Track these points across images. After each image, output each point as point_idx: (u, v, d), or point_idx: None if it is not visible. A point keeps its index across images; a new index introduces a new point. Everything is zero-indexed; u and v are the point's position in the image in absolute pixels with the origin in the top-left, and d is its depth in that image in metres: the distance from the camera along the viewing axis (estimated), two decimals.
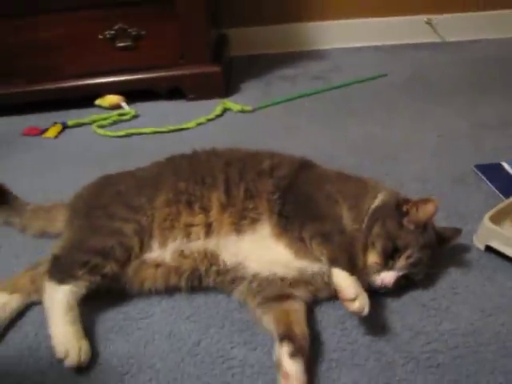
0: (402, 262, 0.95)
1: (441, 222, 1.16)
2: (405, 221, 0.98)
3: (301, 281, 0.96)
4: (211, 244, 0.99)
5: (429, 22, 2.36)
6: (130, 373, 0.86)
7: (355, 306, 0.85)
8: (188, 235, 1.00)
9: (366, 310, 0.85)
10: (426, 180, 1.34)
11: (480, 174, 1.35)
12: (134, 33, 1.89)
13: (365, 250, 0.97)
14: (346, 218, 0.99)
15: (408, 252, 0.95)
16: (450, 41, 2.39)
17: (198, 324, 0.95)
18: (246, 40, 2.39)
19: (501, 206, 1.13)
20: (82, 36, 1.89)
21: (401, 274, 0.95)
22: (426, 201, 0.99)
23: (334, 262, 0.90)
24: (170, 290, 1.02)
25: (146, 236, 1.00)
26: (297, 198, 1.01)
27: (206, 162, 1.10)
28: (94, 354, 0.90)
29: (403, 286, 0.97)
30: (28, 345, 0.93)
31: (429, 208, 0.98)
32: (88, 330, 0.95)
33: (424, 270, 0.97)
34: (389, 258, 0.95)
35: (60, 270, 0.95)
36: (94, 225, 1.03)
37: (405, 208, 1.00)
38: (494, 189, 1.29)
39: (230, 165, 1.07)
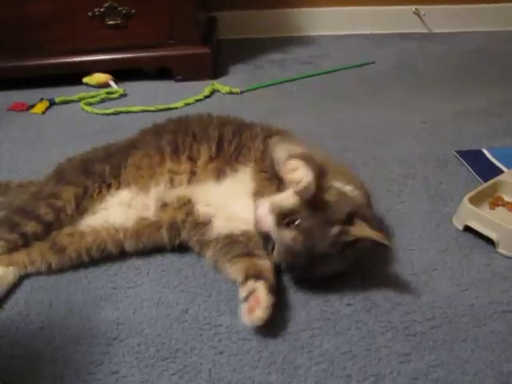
0: (286, 232, 0.89)
1: (423, 203, 1.22)
2: (337, 227, 0.89)
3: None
4: (190, 190, 1.03)
5: (417, 13, 2.39)
6: (119, 338, 0.89)
7: (294, 175, 0.88)
8: (171, 181, 1.04)
9: (306, 182, 0.86)
10: (410, 163, 1.38)
11: (461, 159, 1.39)
12: (124, 11, 1.88)
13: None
14: None
15: (300, 236, 0.88)
16: (436, 32, 2.43)
17: (185, 293, 0.97)
18: (235, 24, 2.39)
19: (480, 188, 1.17)
20: (71, 12, 1.87)
21: (271, 234, 0.90)
22: (376, 234, 0.90)
23: (291, 157, 0.91)
24: (158, 261, 1.04)
25: (88, 203, 1.04)
26: (278, 137, 1.06)
27: (197, 121, 1.14)
28: (84, 320, 0.92)
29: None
30: (18, 311, 0.94)
31: (372, 234, 0.89)
32: (77, 297, 0.97)
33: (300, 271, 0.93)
34: (286, 218, 0.89)
35: None
36: (39, 190, 1.07)
37: (356, 220, 0.90)
38: (474, 173, 1.33)
39: (224, 125, 1.11)
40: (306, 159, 0.91)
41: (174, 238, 1.04)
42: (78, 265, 1.04)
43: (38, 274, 1.02)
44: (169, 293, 0.98)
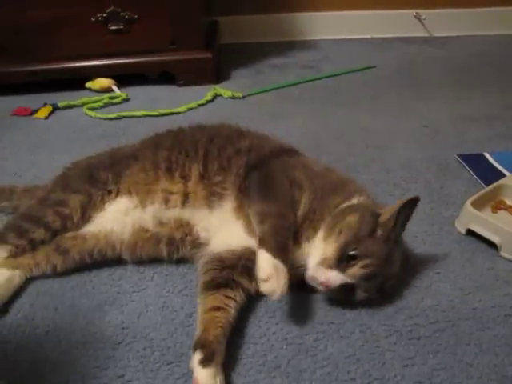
0: (354, 270, 0.87)
1: (425, 207, 1.22)
2: (378, 229, 0.91)
3: (252, 270, 0.91)
4: (186, 214, 1.02)
5: (417, 17, 2.41)
6: (124, 342, 0.89)
7: (265, 286, 0.83)
8: (166, 202, 1.03)
9: (277, 296, 0.83)
10: (411, 167, 1.39)
11: (463, 163, 1.40)
12: (126, 16, 1.89)
13: (324, 240, 0.91)
14: (305, 206, 0.96)
15: (366, 261, 0.87)
16: (437, 36, 2.44)
17: (190, 297, 0.98)
18: (237, 28, 2.40)
19: (482, 192, 1.18)
20: (75, 18, 1.88)
21: (348, 281, 0.87)
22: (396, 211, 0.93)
23: (261, 242, 0.87)
24: (162, 265, 1.05)
25: (92, 210, 1.05)
26: (259, 175, 1.00)
27: (190, 136, 1.12)
28: (89, 324, 0.93)
29: (341, 300, 0.93)
30: (24, 315, 0.95)
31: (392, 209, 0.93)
32: (82, 302, 0.98)
33: (374, 291, 0.90)
34: (344, 258, 0.88)
35: None
36: (46, 197, 1.08)
37: (381, 220, 0.92)
38: (476, 177, 1.34)
39: (213, 140, 1.09)
40: (277, 242, 0.87)
41: (173, 254, 1.03)
42: (82, 266, 1.04)
43: (43, 277, 1.03)
44: (173, 297, 0.98)
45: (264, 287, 0.83)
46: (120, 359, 0.86)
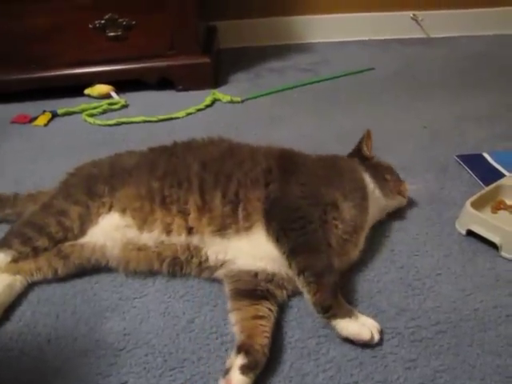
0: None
1: (425, 208, 1.22)
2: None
3: (287, 278, 0.95)
4: (195, 242, 1.00)
5: (415, 18, 2.41)
6: (126, 348, 0.89)
7: (374, 340, 0.86)
8: (168, 232, 1.01)
9: (377, 337, 0.87)
10: (411, 168, 1.39)
11: (462, 164, 1.40)
12: (124, 23, 1.90)
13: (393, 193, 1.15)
14: (350, 213, 1.00)
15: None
16: (434, 37, 2.44)
17: (191, 303, 0.98)
18: (234, 33, 2.41)
19: (482, 193, 1.18)
20: (73, 25, 1.90)
21: None
22: (365, 135, 1.23)
23: (331, 311, 0.86)
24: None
25: (88, 222, 1.04)
26: (287, 213, 0.96)
27: (182, 161, 1.08)
28: (91, 331, 0.93)
29: None
30: (26, 322, 0.95)
31: (369, 137, 1.22)
32: (84, 309, 0.98)
33: None
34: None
35: (3, 238, 1.04)
36: (49, 203, 1.09)
37: (365, 151, 1.21)
38: (475, 177, 1.34)
39: (205, 167, 1.05)
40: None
41: (174, 272, 1.02)
42: (83, 273, 1.05)
43: (45, 284, 1.03)
44: (175, 303, 0.98)
45: (375, 341, 0.86)
46: (122, 366, 0.86)
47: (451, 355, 0.86)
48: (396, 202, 1.18)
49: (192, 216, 1.00)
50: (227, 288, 0.97)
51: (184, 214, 1.01)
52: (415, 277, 1.02)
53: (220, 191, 1.00)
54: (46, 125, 1.78)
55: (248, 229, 0.98)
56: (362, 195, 1.05)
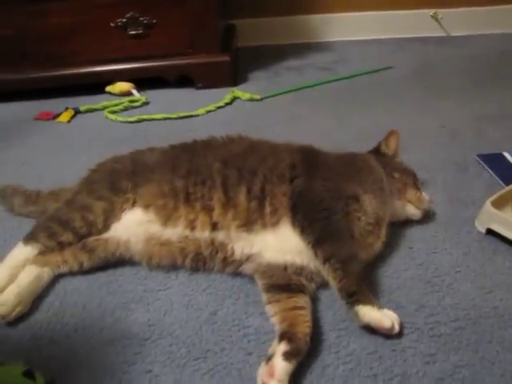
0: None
1: (445, 207, 1.23)
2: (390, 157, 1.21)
3: (315, 271, 0.97)
4: (220, 238, 1.02)
5: (434, 16, 2.41)
6: (150, 338, 0.92)
7: (396, 330, 0.88)
8: (192, 228, 1.03)
9: (398, 327, 0.88)
10: (430, 168, 1.39)
11: (482, 163, 1.40)
12: (145, 21, 1.93)
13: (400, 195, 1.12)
14: (371, 206, 1.02)
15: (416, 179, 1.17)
16: (454, 35, 2.43)
17: (214, 295, 1.00)
18: (253, 31, 2.44)
19: (502, 192, 1.18)
20: (94, 23, 1.93)
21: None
22: (388, 135, 1.24)
23: (354, 296, 0.89)
24: None
25: (112, 217, 1.07)
26: (312, 206, 0.99)
27: (203, 159, 1.10)
28: (117, 322, 0.96)
29: None
30: (54, 312, 0.98)
31: (394, 136, 1.23)
32: (109, 300, 1.01)
33: None
34: (417, 184, 1.16)
35: (30, 232, 1.07)
36: (73, 199, 1.11)
37: (383, 149, 1.23)
38: (496, 177, 1.34)
39: (227, 163, 1.07)
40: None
41: (197, 267, 1.04)
42: (108, 265, 1.08)
43: (71, 276, 1.06)
44: (198, 295, 1.00)
45: (395, 331, 0.88)
46: (147, 355, 0.89)
47: (470, 351, 0.87)
48: (402, 208, 1.13)
49: (217, 212, 1.02)
50: (260, 283, 0.99)
51: (208, 210, 1.02)
52: (434, 274, 1.03)
53: (245, 187, 1.03)
54: (68, 121, 1.82)
55: (275, 224, 1.00)
56: (381, 187, 1.07)
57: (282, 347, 0.83)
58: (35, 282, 1.01)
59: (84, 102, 1.90)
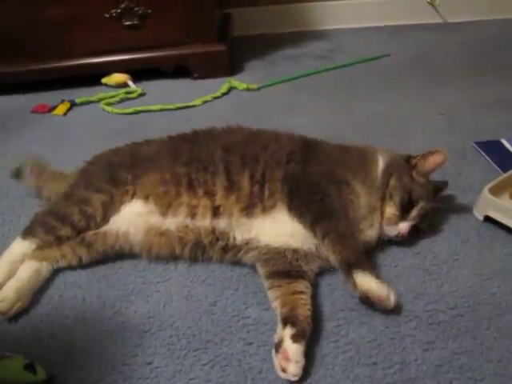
0: (414, 213, 1.04)
1: (443, 194, 1.22)
2: (414, 174, 1.08)
3: (310, 254, 0.99)
4: (221, 224, 1.02)
5: (431, 3, 2.39)
6: (150, 330, 0.92)
7: (391, 303, 0.89)
8: (193, 215, 1.03)
9: (394, 300, 0.90)
10: None
11: (480, 150, 1.40)
12: (140, 11, 1.92)
13: (382, 204, 1.04)
14: (364, 195, 1.04)
15: (420, 204, 1.04)
16: (451, 21, 2.42)
17: (213, 287, 1.00)
18: (249, 20, 2.42)
19: (500, 179, 1.18)
20: (89, 14, 1.92)
21: (413, 223, 1.04)
22: (433, 152, 1.09)
23: (354, 264, 0.91)
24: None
25: (112, 210, 1.07)
26: (307, 191, 1.02)
27: (205, 147, 1.11)
28: (116, 314, 0.96)
29: (412, 234, 1.06)
30: (54, 305, 0.98)
31: (437, 158, 1.08)
32: (108, 292, 1.01)
33: (428, 220, 1.07)
34: (404, 210, 1.04)
35: (28, 227, 1.07)
36: (70, 193, 1.11)
37: (413, 161, 1.09)
38: (493, 164, 1.34)
39: (229, 150, 1.08)
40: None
41: (197, 256, 1.05)
42: (107, 258, 1.08)
43: (70, 269, 1.06)
44: (197, 286, 1.01)
45: (390, 304, 0.89)
46: (148, 347, 0.89)
47: (469, 338, 0.87)
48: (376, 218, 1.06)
49: (219, 195, 1.03)
50: (261, 271, 1.00)
51: (211, 195, 1.04)
52: (432, 262, 1.04)
53: (248, 171, 1.04)
54: (64, 114, 1.81)
55: (271, 207, 1.02)
56: (371, 179, 1.07)
57: (288, 331, 0.85)
58: (34, 277, 1.01)
59: (80, 94, 1.89)
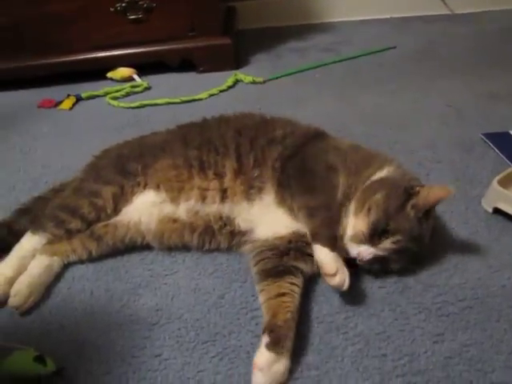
0: (386, 244, 0.91)
1: (451, 186, 1.20)
2: (408, 205, 0.92)
3: (305, 252, 0.97)
4: (226, 209, 1.03)
5: None
6: (159, 323, 0.92)
7: (335, 281, 0.87)
8: (203, 199, 1.04)
9: (346, 286, 0.87)
10: (436, 147, 1.38)
11: (488, 142, 1.39)
12: (144, 5, 1.91)
13: (355, 214, 0.94)
14: (343, 185, 0.99)
15: (397, 237, 0.90)
16: (459, 13, 2.39)
17: (221, 279, 1.00)
18: (254, 13, 2.40)
19: (509, 170, 1.17)
20: (94, 8, 1.90)
21: (379, 254, 0.91)
22: (439, 187, 0.96)
23: (315, 237, 0.91)
24: (192, 249, 1.08)
25: (123, 201, 1.07)
26: (295, 166, 1.02)
27: (216, 131, 1.12)
28: (124, 307, 0.96)
29: (374, 270, 0.96)
30: (63, 298, 0.99)
31: (441, 192, 0.94)
32: (116, 286, 1.01)
33: (403, 263, 0.94)
34: (375, 234, 0.91)
35: (37, 222, 1.07)
36: (80, 187, 1.11)
37: (416, 189, 0.94)
38: (502, 156, 1.33)
39: (241, 133, 1.09)
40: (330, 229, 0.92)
41: (205, 243, 1.05)
42: (116, 251, 1.08)
43: (79, 263, 1.07)
44: (205, 279, 1.01)
45: (334, 282, 0.87)
46: (156, 339, 0.89)
47: (478, 330, 0.87)
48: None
49: (228, 177, 1.04)
50: (253, 272, 0.99)
51: (220, 176, 1.04)
52: (441, 253, 1.03)
53: (254, 155, 1.05)
54: (70, 108, 1.81)
55: (261, 190, 1.02)
56: (360, 176, 1.00)
57: (264, 340, 0.83)
58: (46, 272, 1.02)
59: (86, 89, 1.89)
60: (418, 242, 0.92)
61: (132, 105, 1.77)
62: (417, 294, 0.94)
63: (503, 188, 1.11)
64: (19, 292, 0.96)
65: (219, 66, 1.98)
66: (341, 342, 0.86)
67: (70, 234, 1.06)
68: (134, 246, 1.08)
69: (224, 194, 1.04)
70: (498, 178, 1.13)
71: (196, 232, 1.04)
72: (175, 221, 1.05)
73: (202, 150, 1.08)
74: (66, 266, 1.06)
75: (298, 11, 2.41)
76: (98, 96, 1.87)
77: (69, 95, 1.86)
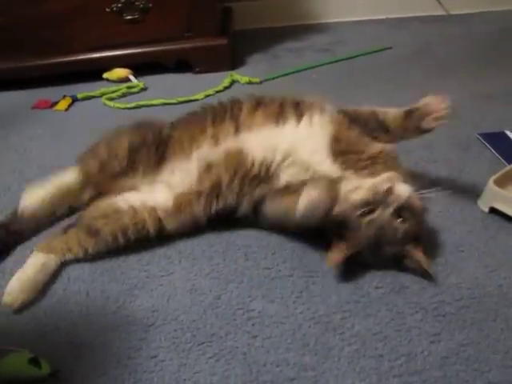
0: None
1: (447, 186, 1.21)
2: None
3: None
4: (240, 140, 1.06)
5: None
6: (155, 324, 0.92)
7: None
8: (215, 141, 1.08)
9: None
10: (432, 147, 1.38)
11: (484, 142, 1.39)
12: (141, 6, 1.90)
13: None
14: None
15: (378, 212, 0.93)
16: (454, 13, 2.40)
17: (217, 280, 1.00)
18: (250, 14, 2.40)
19: (505, 170, 1.17)
20: (90, 9, 1.90)
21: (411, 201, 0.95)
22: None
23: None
24: (189, 250, 1.07)
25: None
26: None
27: (230, 102, 1.17)
28: (120, 308, 0.96)
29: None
30: (58, 299, 0.98)
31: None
32: (112, 287, 1.01)
33: (383, 254, 0.95)
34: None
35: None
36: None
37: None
38: (498, 155, 1.33)
39: (264, 97, 1.15)
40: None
41: (211, 205, 1.07)
42: (114, 249, 1.07)
43: (74, 263, 1.06)
44: (201, 280, 1.00)
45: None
46: (152, 341, 0.89)
47: (475, 330, 0.87)
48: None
49: (244, 114, 1.10)
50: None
51: (235, 118, 1.10)
52: (438, 253, 1.03)
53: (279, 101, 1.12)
54: (66, 109, 1.80)
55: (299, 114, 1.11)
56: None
57: None
58: (43, 270, 1.01)
59: (81, 90, 1.88)
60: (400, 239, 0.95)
61: (128, 105, 1.76)
62: (413, 293, 0.94)
63: (499, 188, 1.11)
64: (13, 290, 0.95)
65: (215, 66, 1.97)
66: (337, 343, 0.86)
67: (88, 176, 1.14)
68: (130, 246, 1.07)
69: (239, 127, 1.07)
70: (494, 177, 1.13)
71: (202, 195, 1.05)
72: (187, 192, 1.06)
73: (215, 109, 1.16)
74: (62, 267, 1.05)
75: (295, 12, 2.41)
76: (93, 97, 1.86)
77: (64, 96, 1.85)
